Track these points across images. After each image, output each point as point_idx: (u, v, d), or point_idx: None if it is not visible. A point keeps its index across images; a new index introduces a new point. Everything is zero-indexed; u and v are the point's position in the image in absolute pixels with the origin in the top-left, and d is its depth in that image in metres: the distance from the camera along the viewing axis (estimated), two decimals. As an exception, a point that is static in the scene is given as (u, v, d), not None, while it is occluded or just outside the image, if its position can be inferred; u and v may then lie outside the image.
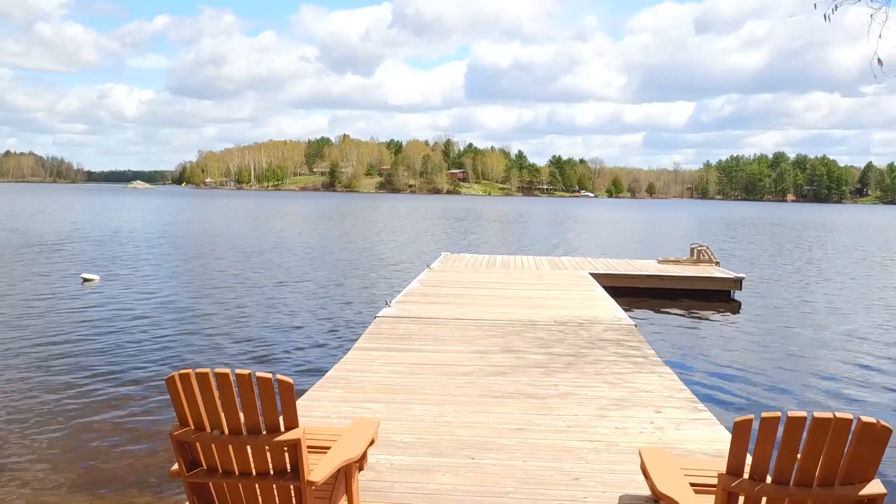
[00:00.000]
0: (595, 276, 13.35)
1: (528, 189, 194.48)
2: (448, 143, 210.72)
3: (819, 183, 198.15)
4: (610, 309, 9.34)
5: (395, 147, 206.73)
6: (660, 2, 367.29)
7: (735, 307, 13.12)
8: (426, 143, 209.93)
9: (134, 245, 23.17)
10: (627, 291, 13.15)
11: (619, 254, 23.80)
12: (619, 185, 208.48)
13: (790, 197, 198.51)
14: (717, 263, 15.42)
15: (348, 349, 7.03)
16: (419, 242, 28.28)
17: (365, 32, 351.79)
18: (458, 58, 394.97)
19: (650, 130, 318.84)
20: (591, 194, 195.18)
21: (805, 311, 12.99)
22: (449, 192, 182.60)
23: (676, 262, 15.65)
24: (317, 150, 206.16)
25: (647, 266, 15.10)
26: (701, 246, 15.66)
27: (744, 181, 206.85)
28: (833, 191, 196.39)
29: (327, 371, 6.13)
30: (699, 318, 11.87)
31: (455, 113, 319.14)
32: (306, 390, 5.50)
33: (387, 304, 8.98)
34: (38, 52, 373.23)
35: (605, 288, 11.52)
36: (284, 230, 33.98)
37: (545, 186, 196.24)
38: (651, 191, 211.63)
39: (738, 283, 13.60)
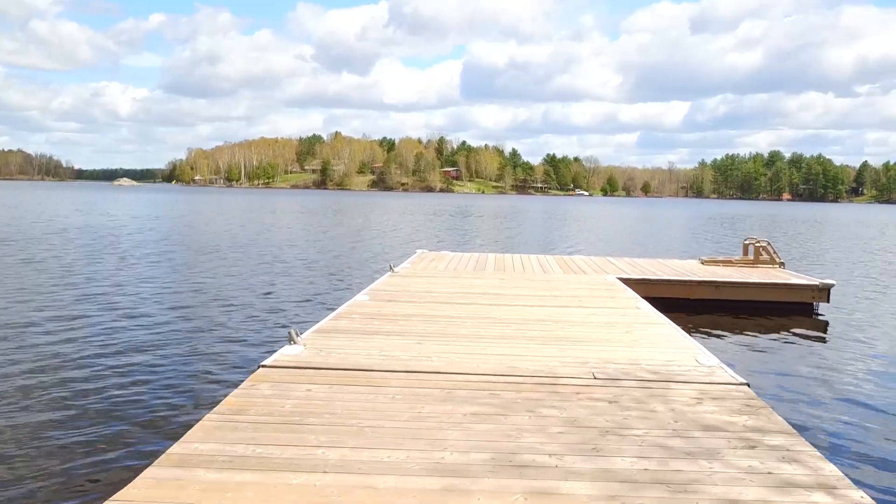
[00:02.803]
0: (625, 281, 9.50)
1: (523, 187, 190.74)
2: (441, 141, 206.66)
3: (815, 182, 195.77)
4: (681, 345, 5.44)
5: (388, 145, 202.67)
6: (657, 1, 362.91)
7: (821, 325, 9.29)
8: (419, 140, 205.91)
9: (61, 238, 19.13)
10: (670, 304, 9.24)
11: (637, 251, 19.95)
12: (614, 184, 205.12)
13: (786, 196, 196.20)
14: (782, 265, 11.59)
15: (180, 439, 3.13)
16: (397, 238, 24.33)
17: (361, 31, 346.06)
18: (455, 57, 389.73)
19: (645, 130, 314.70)
20: (586, 192, 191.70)
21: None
22: (442, 191, 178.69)
23: (728, 262, 11.80)
24: (308, 147, 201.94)
25: (691, 268, 11.25)
26: (759, 241, 11.82)
27: (739, 180, 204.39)
28: (829, 190, 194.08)
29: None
30: (797, 347, 7.98)
31: (450, 112, 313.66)
32: None
33: (291, 339, 5.05)
34: (33, 49, 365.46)
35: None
36: (248, 225, 29.91)
37: (539, 185, 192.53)
38: (646, 189, 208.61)
39: (824, 292, 9.77)
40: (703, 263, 11.89)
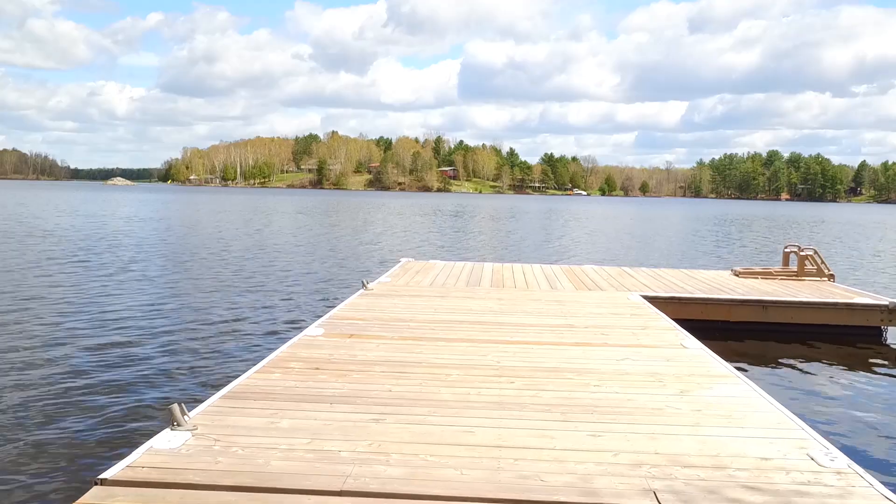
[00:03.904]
0: (651, 300, 7.72)
1: (520, 187, 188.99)
2: (438, 140, 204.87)
3: (813, 182, 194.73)
4: (774, 421, 3.61)
5: (385, 144, 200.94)
6: (655, 0, 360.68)
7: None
8: (416, 140, 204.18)
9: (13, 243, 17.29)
10: (705, 328, 7.47)
11: (653, 258, 18.19)
12: (612, 184, 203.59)
13: (784, 196, 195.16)
14: (832, 277, 9.81)
15: None
16: (384, 242, 22.51)
17: (359, 30, 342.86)
18: (452, 56, 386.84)
19: (643, 130, 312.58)
20: (584, 192, 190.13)
21: None
22: (439, 190, 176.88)
23: (767, 274, 10.01)
24: (305, 147, 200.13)
25: (724, 282, 9.46)
26: (804, 249, 10.03)
27: (738, 180, 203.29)
28: (827, 190, 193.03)
29: None
30: (890, 396, 6.18)
31: (448, 112, 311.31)
32: None
33: (174, 420, 3.24)
34: (30, 48, 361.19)
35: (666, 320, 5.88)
36: (228, 228, 28.06)
37: (537, 185, 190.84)
38: (644, 189, 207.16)
39: (894, 313, 7.98)
40: (736, 275, 10.11)
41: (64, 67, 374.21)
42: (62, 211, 36.22)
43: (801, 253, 9.93)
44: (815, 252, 9.93)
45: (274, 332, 7.95)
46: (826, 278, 9.73)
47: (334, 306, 7.04)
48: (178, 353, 6.84)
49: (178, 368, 6.28)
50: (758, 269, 10.22)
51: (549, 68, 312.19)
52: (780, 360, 7.12)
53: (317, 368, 4.42)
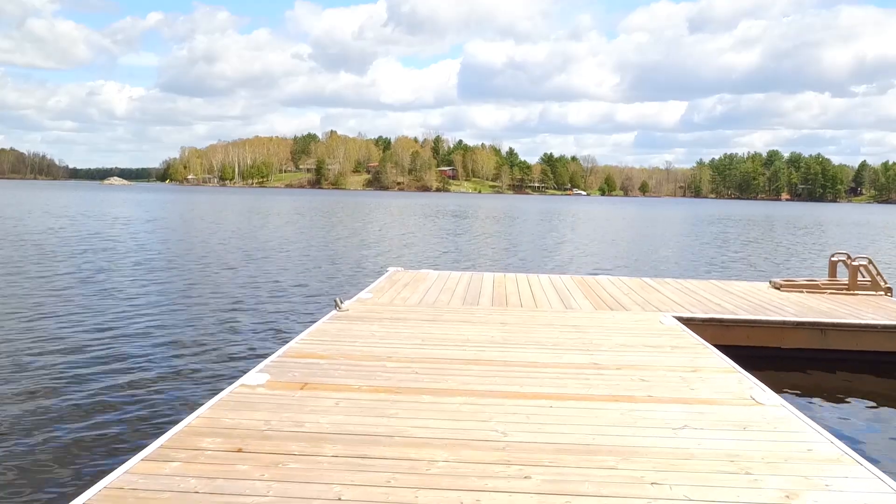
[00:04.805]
0: (686, 323, 6.33)
1: (520, 187, 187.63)
2: (437, 140, 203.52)
3: (814, 182, 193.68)
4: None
5: (384, 144, 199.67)
6: (655, 0, 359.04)
7: None
8: (415, 139, 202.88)
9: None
10: (751, 356, 6.08)
11: (672, 264, 16.81)
12: (611, 184, 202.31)
13: (784, 196, 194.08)
14: (889, 291, 8.41)
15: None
16: (375, 246, 21.08)
17: (359, 30, 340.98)
18: (452, 56, 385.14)
19: (642, 129, 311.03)
20: (583, 192, 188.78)
21: None
22: (438, 190, 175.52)
23: (812, 287, 8.59)
24: (303, 146, 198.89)
25: (764, 296, 8.06)
26: (855, 258, 8.61)
27: (738, 179, 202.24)
28: (828, 190, 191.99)
29: None
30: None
31: (447, 111, 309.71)
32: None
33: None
34: (30, 48, 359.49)
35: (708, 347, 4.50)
36: (210, 231, 26.62)
37: (536, 184, 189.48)
38: (644, 189, 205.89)
39: (982, 339, 6.57)
40: (777, 288, 8.70)
41: (64, 67, 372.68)
42: (23, 214, 34.79)
43: (853, 263, 8.53)
44: (870, 261, 8.52)
45: (205, 382, 5.88)
46: (882, 292, 8.33)
47: (297, 333, 5.63)
48: (50, 429, 4.59)
49: (31, 459, 4.12)
50: (802, 281, 8.81)
51: (549, 68, 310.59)
52: (860, 408, 5.67)
53: (239, 450, 3.00)
